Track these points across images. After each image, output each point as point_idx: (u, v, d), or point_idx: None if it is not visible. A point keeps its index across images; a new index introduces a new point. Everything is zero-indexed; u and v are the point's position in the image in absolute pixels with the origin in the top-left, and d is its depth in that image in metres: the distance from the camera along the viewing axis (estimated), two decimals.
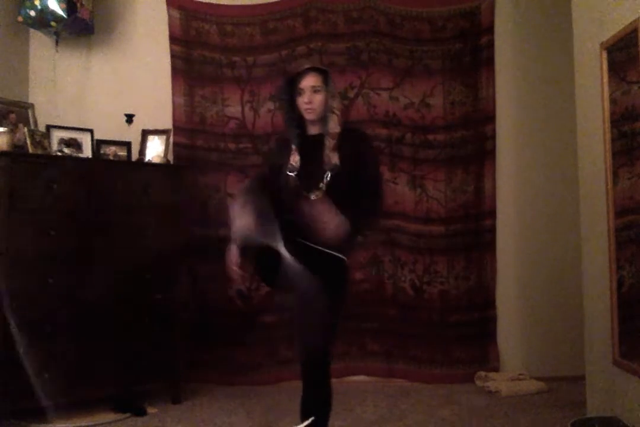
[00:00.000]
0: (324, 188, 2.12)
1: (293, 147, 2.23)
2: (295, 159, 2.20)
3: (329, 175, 2.13)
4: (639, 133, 2.28)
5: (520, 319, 3.65)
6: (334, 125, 2.18)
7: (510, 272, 3.67)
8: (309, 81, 2.17)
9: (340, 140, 2.18)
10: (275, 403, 3.17)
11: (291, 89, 2.21)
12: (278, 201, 2.16)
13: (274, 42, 3.68)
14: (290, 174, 2.18)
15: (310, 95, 2.16)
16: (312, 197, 2.12)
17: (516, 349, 3.64)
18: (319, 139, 2.20)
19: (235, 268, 2.13)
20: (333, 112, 2.18)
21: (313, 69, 2.20)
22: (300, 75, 2.19)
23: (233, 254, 2.12)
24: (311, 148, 2.20)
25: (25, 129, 3.02)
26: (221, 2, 3.71)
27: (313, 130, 2.25)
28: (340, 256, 2.14)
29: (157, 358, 3.09)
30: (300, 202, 2.13)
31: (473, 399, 3.23)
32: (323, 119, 2.20)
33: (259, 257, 2.12)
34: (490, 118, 3.68)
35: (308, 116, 2.20)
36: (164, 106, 3.63)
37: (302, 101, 2.18)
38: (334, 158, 2.15)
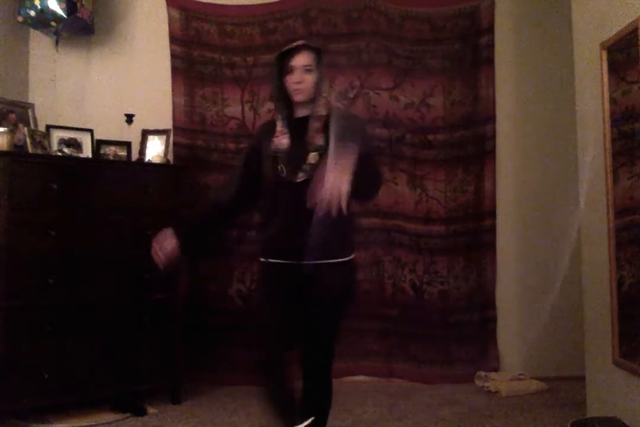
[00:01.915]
0: (308, 169, 1.95)
1: (279, 129, 2.05)
2: (281, 142, 2.03)
3: (313, 156, 1.96)
4: (639, 133, 2.28)
5: (520, 319, 3.65)
6: (321, 108, 2.01)
7: (510, 272, 3.67)
8: (300, 60, 1.98)
9: (327, 122, 1.99)
10: None
11: (281, 66, 2.02)
12: (262, 190, 2.07)
13: (274, 42, 3.68)
14: (275, 156, 2.02)
15: (301, 74, 1.99)
16: (297, 179, 1.96)
17: (516, 349, 3.64)
18: (306, 122, 2.01)
19: (159, 254, 2.05)
20: (321, 94, 2.01)
21: (306, 47, 2.01)
22: (291, 52, 2.01)
23: (163, 236, 2.07)
24: (298, 131, 2.01)
25: (25, 129, 3.02)
26: (221, 2, 3.71)
27: (301, 112, 2.06)
28: (344, 259, 2.03)
29: (157, 358, 3.09)
30: (285, 188, 1.99)
31: (473, 399, 3.23)
32: (312, 101, 2.02)
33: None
34: (490, 118, 3.68)
35: (297, 97, 2.01)
36: (164, 106, 3.63)
37: (292, 81, 1.99)
38: (319, 139, 1.97)
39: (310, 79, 1.99)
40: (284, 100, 2.05)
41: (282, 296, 2.03)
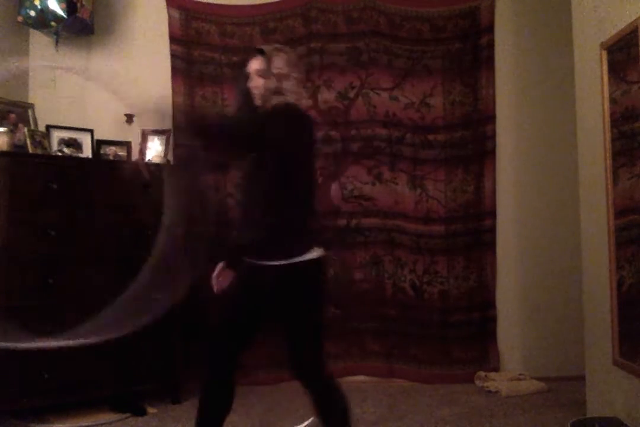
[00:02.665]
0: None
1: None
2: None
3: None
4: (639, 133, 2.28)
5: (520, 319, 3.65)
6: (269, 105, 2.02)
7: (510, 272, 3.67)
8: (253, 65, 2.07)
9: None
10: (275, 403, 3.17)
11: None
12: None
13: (274, 42, 3.67)
14: None
15: (256, 79, 2.04)
16: None
17: (516, 349, 3.64)
18: None
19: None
20: (281, 93, 2.02)
21: (258, 52, 2.08)
22: (249, 58, 2.10)
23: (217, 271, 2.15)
24: None
25: (25, 129, 3.02)
26: (221, 2, 3.71)
27: None
28: (276, 262, 1.95)
29: (157, 358, 3.09)
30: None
31: (473, 399, 3.23)
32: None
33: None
34: (490, 118, 3.68)
35: (256, 102, 2.06)
36: (164, 106, 3.62)
37: (250, 86, 2.07)
38: None
39: (263, 83, 2.02)
40: (248, 105, 2.08)
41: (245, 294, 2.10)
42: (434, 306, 3.63)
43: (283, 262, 1.93)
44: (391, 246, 3.65)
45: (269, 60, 2.04)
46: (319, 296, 2.08)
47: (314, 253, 1.98)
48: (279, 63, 2.04)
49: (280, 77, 2.03)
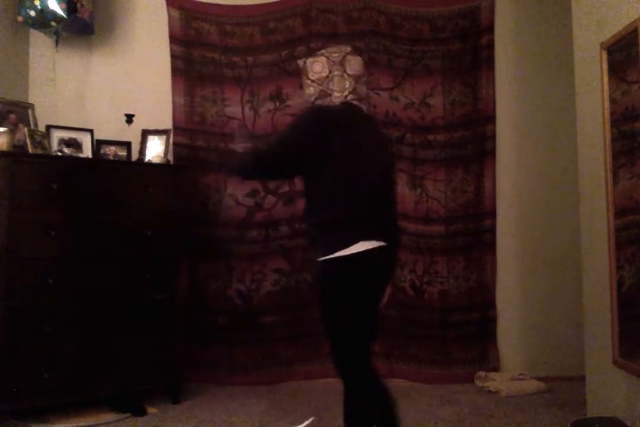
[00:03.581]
0: None
1: None
2: None
3: None
4: (639, 133, 2.28)
5: (520, 319, 3.65)
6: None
7: (510, 272, 3.67)
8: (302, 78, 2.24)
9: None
10: (275, 403, 3.17)
11: None
12: None
13: (274, 42, 3.68)
14: None
15: (304, 90, 2.24)
16: None
17: (516, 349, 3.64)
18: None
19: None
20: (327, 95, 2.15)
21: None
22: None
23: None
24: None
25: (25, 129, 3.02)
26: (221, 2, 3.71)
27: None
28: (324, 257, 1.96)
29: (157, 358, 3.09)
30: None
31: (473, 399, 3.23)
32: None
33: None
34: (490, 118, 3.68)
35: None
36: (164, 106, 3.63)
37: (305, 97, 2.27)
38: None
39: (306, 91, 2.20)
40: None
41: None
42: (433, 306, 3.63)
43: (319, 258, 1.98)
44: None
45: (303, 71, 2.21)
46: (345, 295, 1.97)
47: (352, 249, 1.92)
48: (317, 68, 2.14)
49: (322, 81, 2.15)
